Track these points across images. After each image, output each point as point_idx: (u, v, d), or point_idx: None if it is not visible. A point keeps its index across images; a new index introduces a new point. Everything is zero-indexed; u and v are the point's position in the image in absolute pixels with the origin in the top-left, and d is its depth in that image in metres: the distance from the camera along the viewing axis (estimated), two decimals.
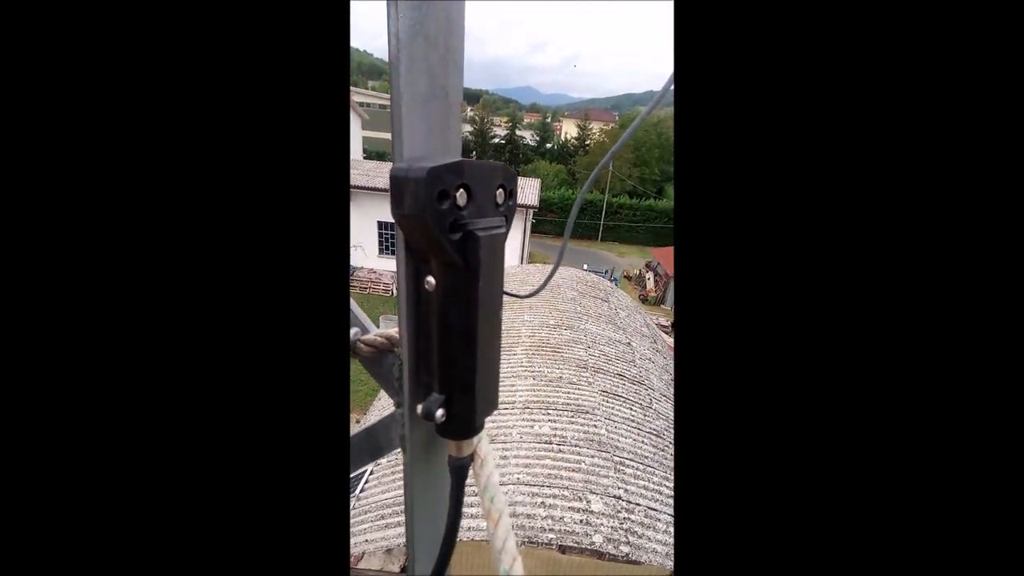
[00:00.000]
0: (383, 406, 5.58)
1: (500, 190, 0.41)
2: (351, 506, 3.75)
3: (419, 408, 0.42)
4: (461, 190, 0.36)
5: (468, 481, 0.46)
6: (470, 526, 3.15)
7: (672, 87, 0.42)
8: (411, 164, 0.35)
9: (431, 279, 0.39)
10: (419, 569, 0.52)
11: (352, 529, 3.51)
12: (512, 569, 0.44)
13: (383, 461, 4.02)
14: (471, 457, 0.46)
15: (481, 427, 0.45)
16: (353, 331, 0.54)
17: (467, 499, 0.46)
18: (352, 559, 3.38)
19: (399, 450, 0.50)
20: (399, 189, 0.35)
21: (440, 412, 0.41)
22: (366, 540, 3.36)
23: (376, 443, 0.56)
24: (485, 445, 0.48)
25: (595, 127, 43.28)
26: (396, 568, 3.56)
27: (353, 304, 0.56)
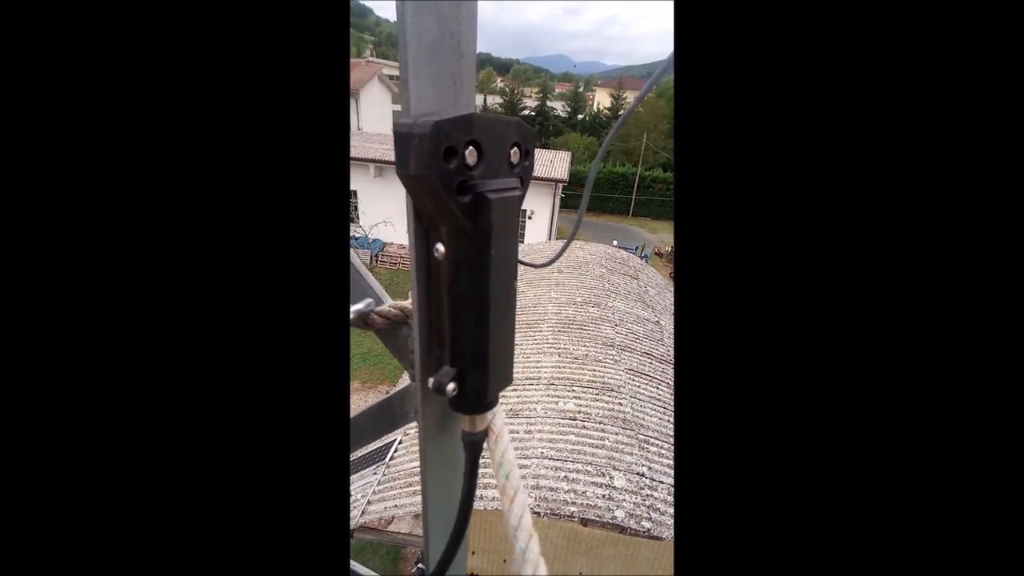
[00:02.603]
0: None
1: (515, 148, 0.37)
2: (381, 473, 3.90)
3: (430, 381, 0.40)
4: (471, 147, 0.33)
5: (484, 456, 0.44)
6: (494, 496, 3.22)
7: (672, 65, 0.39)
8: (416, 119, 0.32)
9: (440, 246, 0.37)
10: (433, 544, 0.52)
11: (382, 495, 3.66)
12: (528, 546, 0.42)
13: (412, 431, 4.14)
14: (485, 432, 0.44)
15: (495, 402, 0.43)
16: (367, 302, 0.53)
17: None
18: (382, 522, 3.53)
19: None
20: (403, 146, 0.32)
21: (451, 386, 0.39)
22: (395, 505, 3.50)
23: (391, 415, 0.56)
24: (500, 420, 0.46)
25: (629, 96, 41.52)
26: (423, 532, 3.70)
27: (368, 275, 0.54)
